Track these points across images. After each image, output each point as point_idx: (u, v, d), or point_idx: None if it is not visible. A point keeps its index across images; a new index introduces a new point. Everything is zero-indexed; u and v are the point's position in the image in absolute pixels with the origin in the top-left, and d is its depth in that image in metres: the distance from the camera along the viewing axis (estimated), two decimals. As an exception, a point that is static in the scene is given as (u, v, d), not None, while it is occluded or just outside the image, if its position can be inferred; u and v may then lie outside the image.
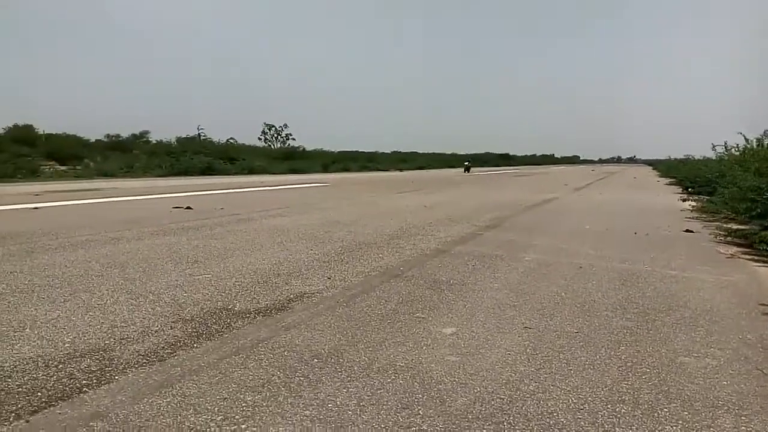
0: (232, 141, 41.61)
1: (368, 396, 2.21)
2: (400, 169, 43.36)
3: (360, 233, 6.72)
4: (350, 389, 2.26)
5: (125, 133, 42.58)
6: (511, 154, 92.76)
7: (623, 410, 2.14)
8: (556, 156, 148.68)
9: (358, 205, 11.05)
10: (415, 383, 2.34)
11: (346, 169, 39.78)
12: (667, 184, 23.14)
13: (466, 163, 41.38)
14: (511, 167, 65.71)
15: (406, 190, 16.63)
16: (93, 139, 39.25)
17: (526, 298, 3.81)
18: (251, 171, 30.66)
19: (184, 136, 36.73)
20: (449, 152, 77.01)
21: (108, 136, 41.56)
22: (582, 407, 2.16)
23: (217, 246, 5.61)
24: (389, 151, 63.55)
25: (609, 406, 2.17)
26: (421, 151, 65.55)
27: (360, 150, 57.02)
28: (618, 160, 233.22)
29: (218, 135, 42.51)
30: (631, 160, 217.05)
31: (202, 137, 36.88)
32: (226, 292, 3.80)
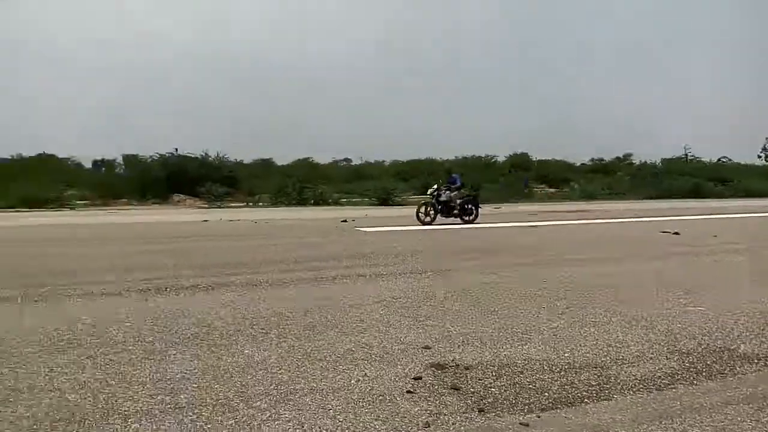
0: (724, 160, 37.27)
1: None
2: None
3: None
4: None
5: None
6: None
7: None
8: None
9: None
10: None
11: None
12: None
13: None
14: None
15: None
16: (578, 163, 42.04)
17: None
18: (748, 193, 26.54)
19: (669, 157, 35.05)
20: None
21: (592, 159, 43.71)
22: None
23: (708, 277, 5.12)
24: None
25: None
26: None
27: None
28: None
29: (709, 154, 38.48)
30: None
31: (689, 157, 34.39)
32: (727, 330, 3.41)
